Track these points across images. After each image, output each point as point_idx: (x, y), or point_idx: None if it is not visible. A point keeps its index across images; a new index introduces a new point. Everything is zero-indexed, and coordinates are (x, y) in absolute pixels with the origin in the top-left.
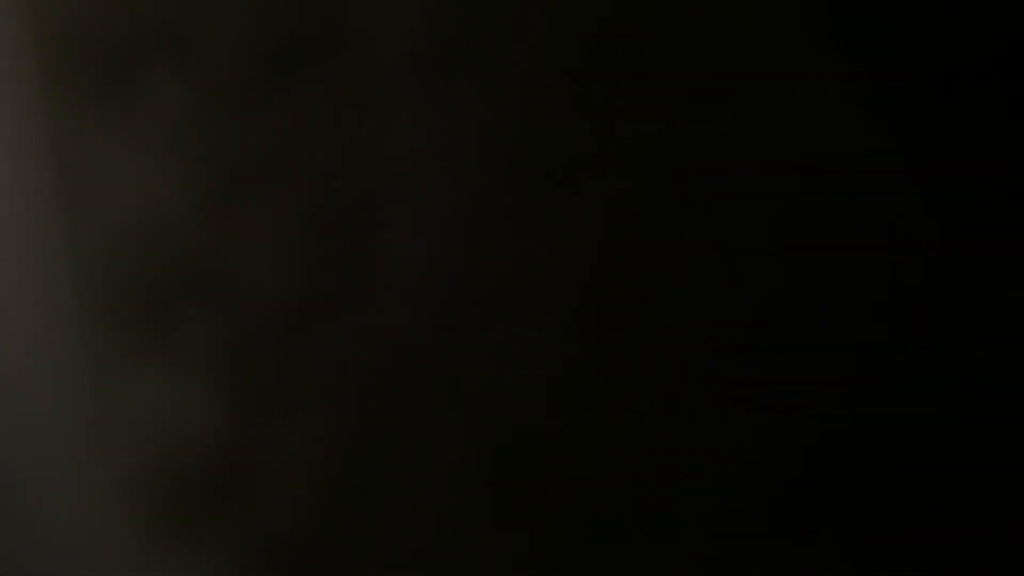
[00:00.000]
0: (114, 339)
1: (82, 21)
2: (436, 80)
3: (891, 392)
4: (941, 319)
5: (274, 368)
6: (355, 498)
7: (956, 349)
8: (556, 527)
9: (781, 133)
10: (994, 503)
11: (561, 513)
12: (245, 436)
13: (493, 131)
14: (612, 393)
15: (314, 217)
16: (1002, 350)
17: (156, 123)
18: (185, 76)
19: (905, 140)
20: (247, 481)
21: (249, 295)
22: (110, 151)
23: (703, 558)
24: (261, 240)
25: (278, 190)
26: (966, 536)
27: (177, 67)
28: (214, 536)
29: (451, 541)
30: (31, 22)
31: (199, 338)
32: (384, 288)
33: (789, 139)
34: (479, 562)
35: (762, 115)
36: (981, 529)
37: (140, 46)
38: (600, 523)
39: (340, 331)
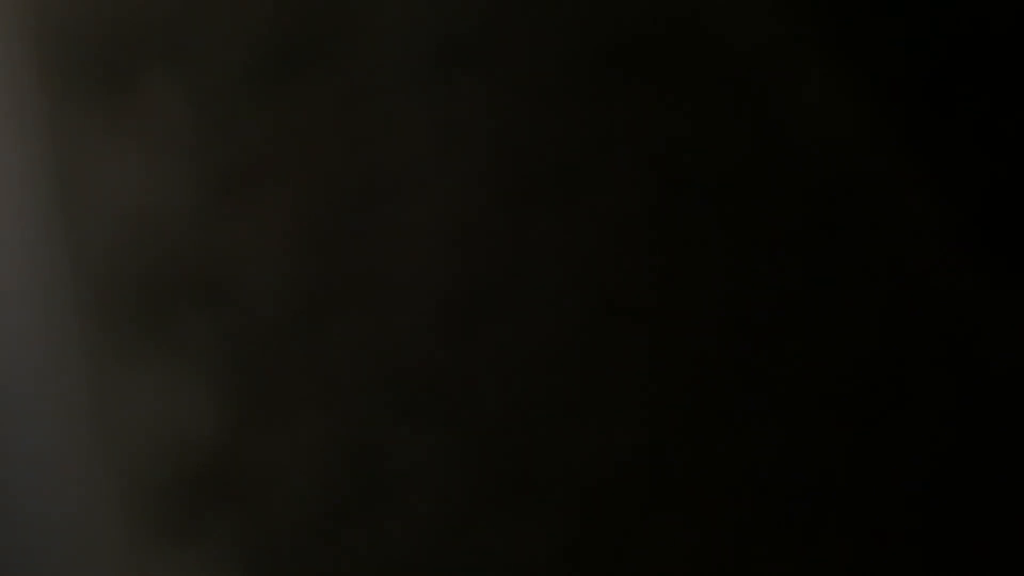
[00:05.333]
0: (111, 339)
1: (81, 21)
2: (437, 80)
3: (890, 391)
4: (941, 318)
5: (273, 368)
6: (354, 499)
7: (956, 348)
8: (556, 528)
9: (782, 133)
10: (996, 503)
11: (561, 514)
12: (243, 437)
13: (494, 131)
14: (612, 394)
15: (313, 217)
16: (1003, 350)
17: (155, 123)
18: (184, 76)
19: (905, 140)
20: (245, 482)
21: (248, 296)
22: (108, 151)
23: (703, 559)
24: (260, 240)
25: (277, 190)
26: (967, 536)
27: (176, 67)
28: (212, 537)
29: (451, 541)
30: (29, 21)
31: (197, 338)
32: (383, 288)
33: (790, 139)
34: (479, 562)
35: (763, 115)
36: (982, 529)
37: (139, 46)
38: (600, 523)
39: (339, 331)
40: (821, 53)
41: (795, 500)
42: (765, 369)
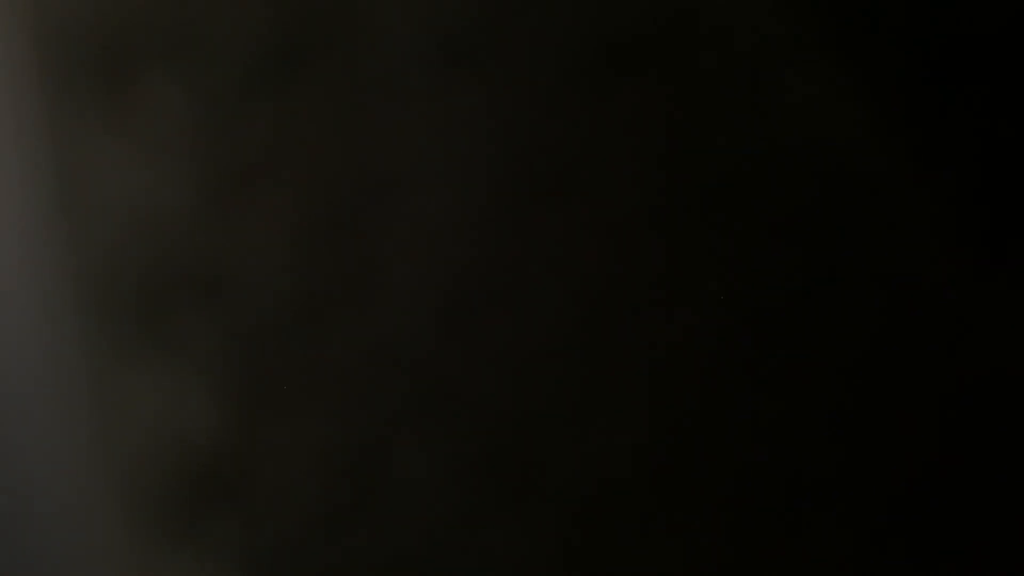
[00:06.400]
0: (112, 340)
1: (81, 22)
2: (436, 80)
3: (889, 390)
4: (940, 317)
5: (272, 368)
6: (353, 498)
7: (954, 347)
8: (555, 527)
9: (782, 133)
10: (995, 503)
11: (561, 514)
12: (243, 436)
13: (493, 131)
14: (612, 394)
15: (313, 217)
16: (1001, 349)
17: (155, 124)
18: (184, 77)
19: (903, 139)
20: (245, 481)
21: (248, 295)
22: (109, 152)
23: (701, 559)
24: (260, 240)
25: (277, 190)
26: (966, 536)
27: (176, 67)
28: (212, 536)
29: (449, 541)
30: (30, 23)
31: (198, 338)
32: (382, 288)
33: (790, 139)
34: (478, 562)
35: (763, 115)
36: (981, 529)
37: (139, 47)
38: (600, 523)
39: (338, 331)
40: (821, 53)
41: (794, 500)
42: (764, 369)
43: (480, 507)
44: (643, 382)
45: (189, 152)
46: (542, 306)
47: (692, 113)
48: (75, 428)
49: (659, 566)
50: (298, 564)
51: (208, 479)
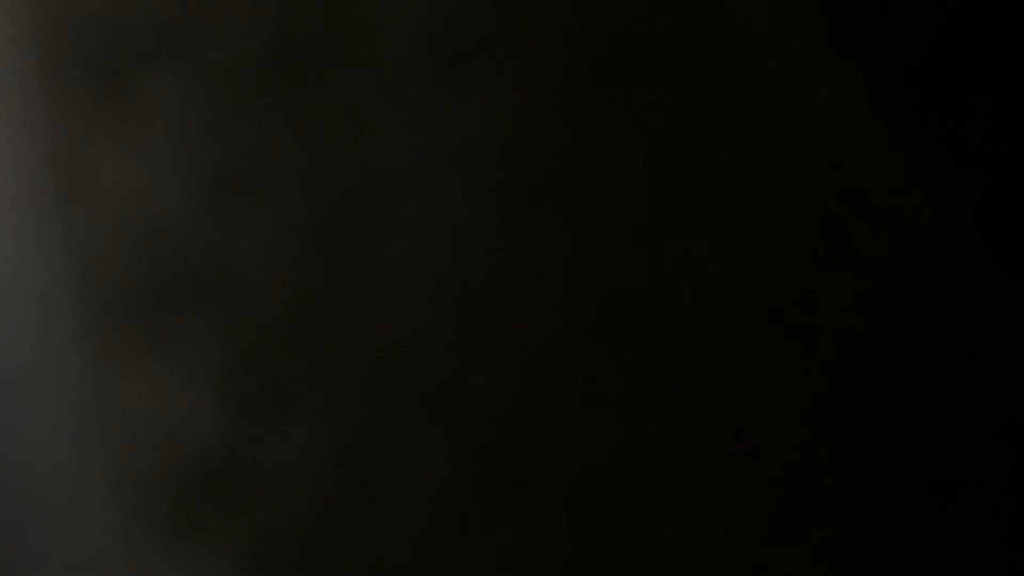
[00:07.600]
0: (112, 340)
1: (80, 22)
2: (436, 80)
3: (889, 390)
4: (940, 317)
5: (273, 369)
6: (354, 500)
7: (955, 347)
8: (552, 529)
9: (782, 134)
10: (998, 502)
11: (557, 515)
12: (243, 437)
13: (493, 131)
14: (609, 395)
15: (313, 218)
16: (1002, 349)
17: (155, 124)
18: (184, 76)
19: (905, 140)
20: (245, 482)
21: (248, 296)
22: (108, 152)
23: (699, 561)
24: (260, 241)
25: (278, 190)
26: (966, 536)
27: (176, 67)
28: (212, 537)
29: (450, 542)
30: (29, 23)
31: (198, 339)
32: (384, 289)
33: (790, 140)
34: (477, 563)
35: (763, 115)
36: (982, 529)
37: (139, 47)
38: (592, 520)
39: (339, 332)
40: (822, 54)
41: (791, 499)
42: (761, 368)
43: (482, 507)
44: (644, 382)
45: (189, 152)
46: (543, 306)
47: (692, 115)
48: (74, 428)
49: (652, 562)
50: (298, 564)
51: (208, 479)
